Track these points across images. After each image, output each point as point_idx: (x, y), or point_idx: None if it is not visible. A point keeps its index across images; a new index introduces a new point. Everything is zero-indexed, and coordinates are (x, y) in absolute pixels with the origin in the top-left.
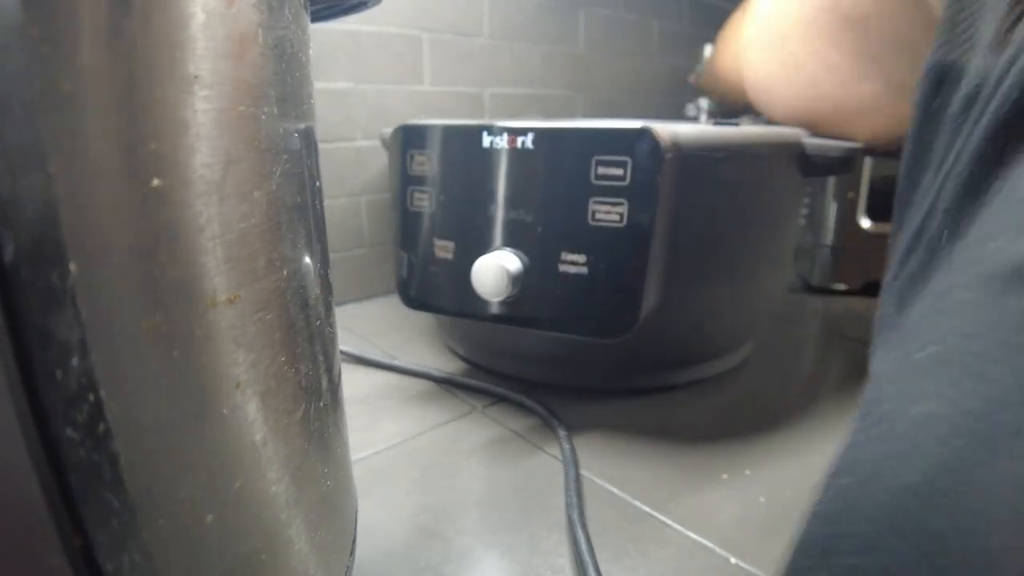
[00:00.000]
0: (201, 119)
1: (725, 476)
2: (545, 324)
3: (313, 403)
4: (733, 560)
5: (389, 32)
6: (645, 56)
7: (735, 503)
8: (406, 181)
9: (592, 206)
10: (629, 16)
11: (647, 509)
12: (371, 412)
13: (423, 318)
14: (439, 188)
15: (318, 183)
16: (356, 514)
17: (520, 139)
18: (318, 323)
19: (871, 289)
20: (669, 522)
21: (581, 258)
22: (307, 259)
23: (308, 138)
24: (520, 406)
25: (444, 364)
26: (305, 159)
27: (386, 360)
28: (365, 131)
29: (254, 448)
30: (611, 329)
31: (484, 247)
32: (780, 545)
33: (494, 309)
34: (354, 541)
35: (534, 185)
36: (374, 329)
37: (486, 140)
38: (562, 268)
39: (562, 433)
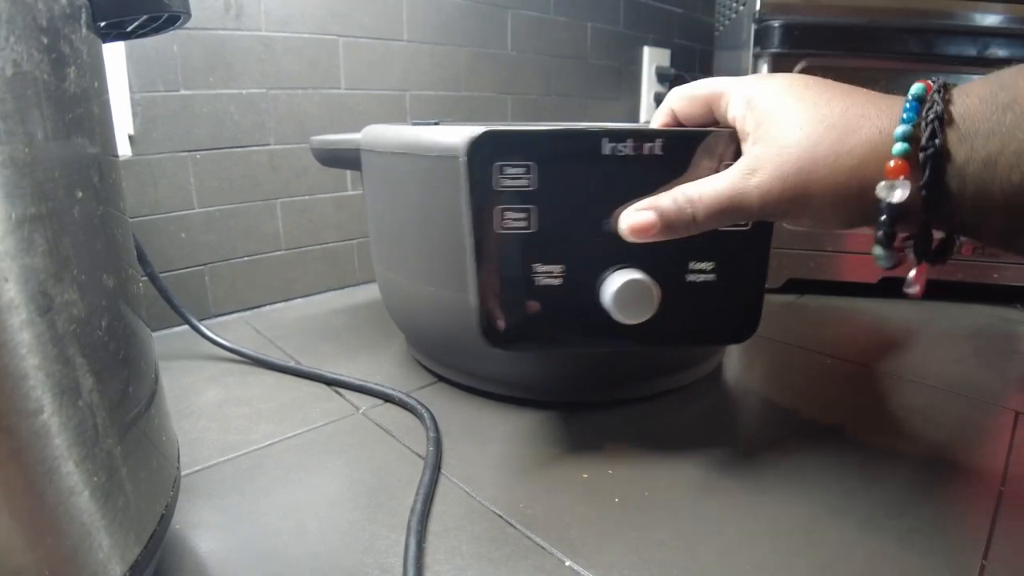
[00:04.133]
0: None
1: (585, 476)
2: (672, 338)
3: (66, 403)
4: (568, 563)
5: (302, 37)
6: (578, 58)
7: (588, 504)
8: (491, 198)
9: None
10: (559, 18)
11: (495, 510)
12: (253, 413)
13: (335, 320)
14: (542, 205)
15: (80, 192)
16: (167, 508)
17: (648, 145)
18: (73, 327)
19: (792, 287)
20: (513, 523)
21: (709, 265)
22: (51, 267)
23: (69, 149)
24: (404, 408)
25: (343, 366)
26: (55, 170)
27: (280, 362)
28: (277, 135)
29: None
30: (741, 332)
31: (600, 267)
32: (620, 548)
33: (622, 335)
34: (152, 536)
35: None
36: (284, 332)
37: (606, 147)
38: (690, 278)
39: (431, 435)
